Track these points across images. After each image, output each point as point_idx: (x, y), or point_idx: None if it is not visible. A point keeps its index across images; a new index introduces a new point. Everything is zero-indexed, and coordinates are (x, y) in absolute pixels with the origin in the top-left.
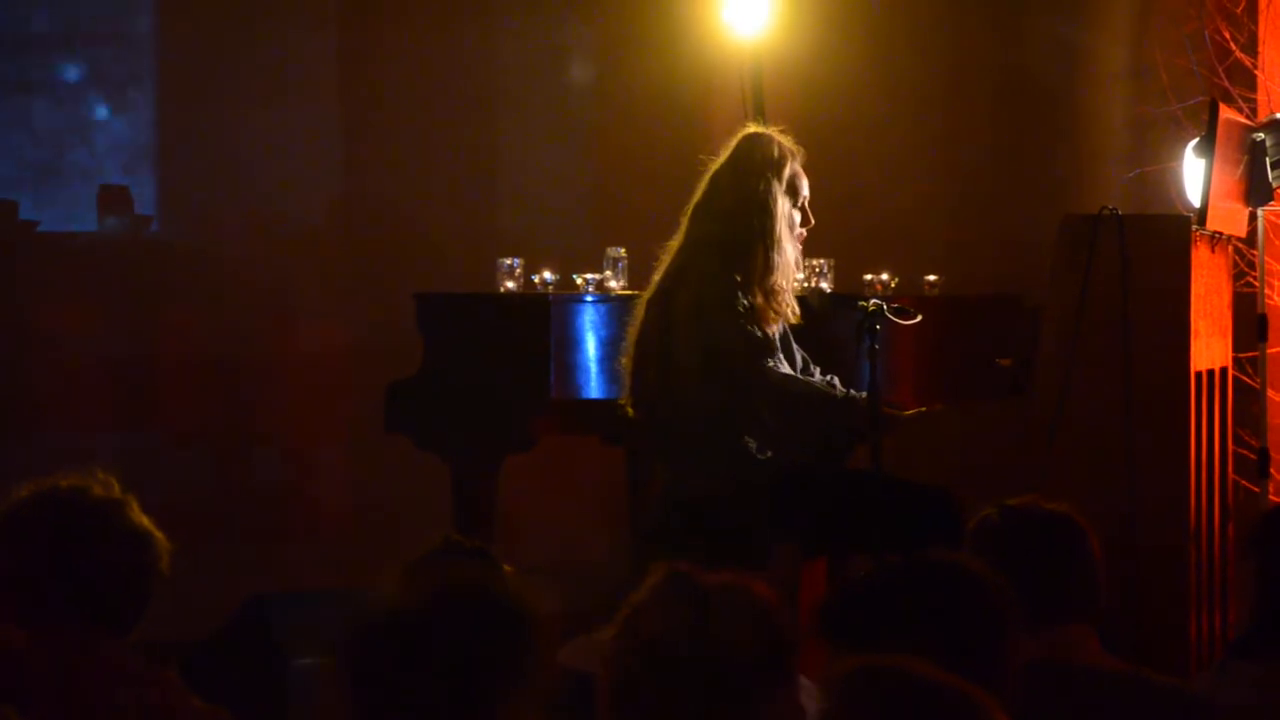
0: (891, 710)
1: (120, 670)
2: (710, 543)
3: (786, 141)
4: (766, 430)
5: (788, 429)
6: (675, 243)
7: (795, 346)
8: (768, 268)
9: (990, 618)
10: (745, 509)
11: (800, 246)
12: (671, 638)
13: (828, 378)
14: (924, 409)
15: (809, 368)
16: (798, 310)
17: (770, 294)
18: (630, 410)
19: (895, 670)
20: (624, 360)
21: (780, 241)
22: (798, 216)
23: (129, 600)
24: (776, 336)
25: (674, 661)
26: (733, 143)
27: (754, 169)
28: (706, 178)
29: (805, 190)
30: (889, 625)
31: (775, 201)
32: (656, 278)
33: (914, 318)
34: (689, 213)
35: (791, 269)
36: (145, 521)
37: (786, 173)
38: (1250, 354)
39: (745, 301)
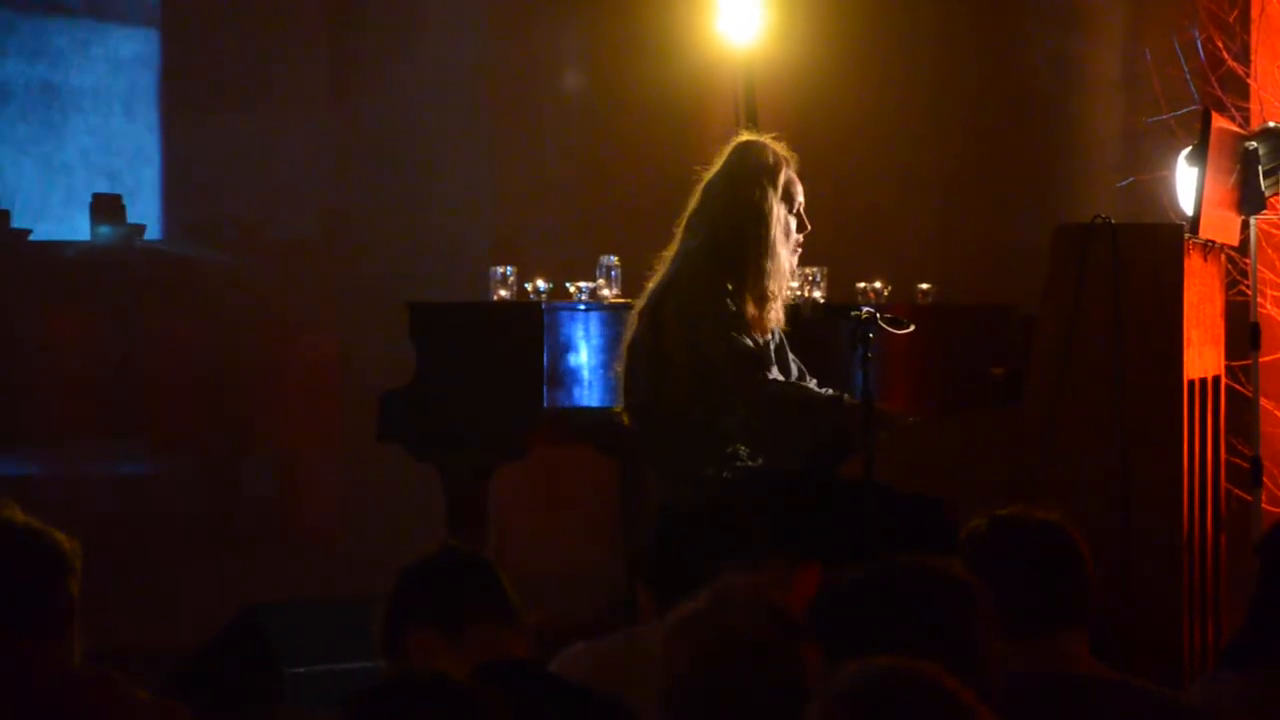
0: (887, 711)
1: (58, 673)
2: (702, 551)
3: (781, 148)
4: (758, 437)
5: (779, 436)
6: (669, 252)
7: (791, 357)
8: (760, 274)
9: (968, 620)
10: (737, 517)
11: (798, 254)
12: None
13: (824, 391)
14: (908, 414)
15: (805, 377)
16: (781, 319)
17: (762, 300)
18: (625, 418)
19: (890, 671)
20: (618, 368)
21: (774, 247)
22: (793, 223)
23: (50, 607)
24: (772, 346)
25: (735, 664)
26: (726, 151)
27: (748, 175)
28: (700, 187)
29: (800, 197)
30: (870, 630)
31: (770, 207)
32: (650, 286)
33: (907, 327)
34: (683, 223)
35: (785, 276)
36: (58, 536)
37: (781, 179)
38: (1243, 362)
39: (735, 310)
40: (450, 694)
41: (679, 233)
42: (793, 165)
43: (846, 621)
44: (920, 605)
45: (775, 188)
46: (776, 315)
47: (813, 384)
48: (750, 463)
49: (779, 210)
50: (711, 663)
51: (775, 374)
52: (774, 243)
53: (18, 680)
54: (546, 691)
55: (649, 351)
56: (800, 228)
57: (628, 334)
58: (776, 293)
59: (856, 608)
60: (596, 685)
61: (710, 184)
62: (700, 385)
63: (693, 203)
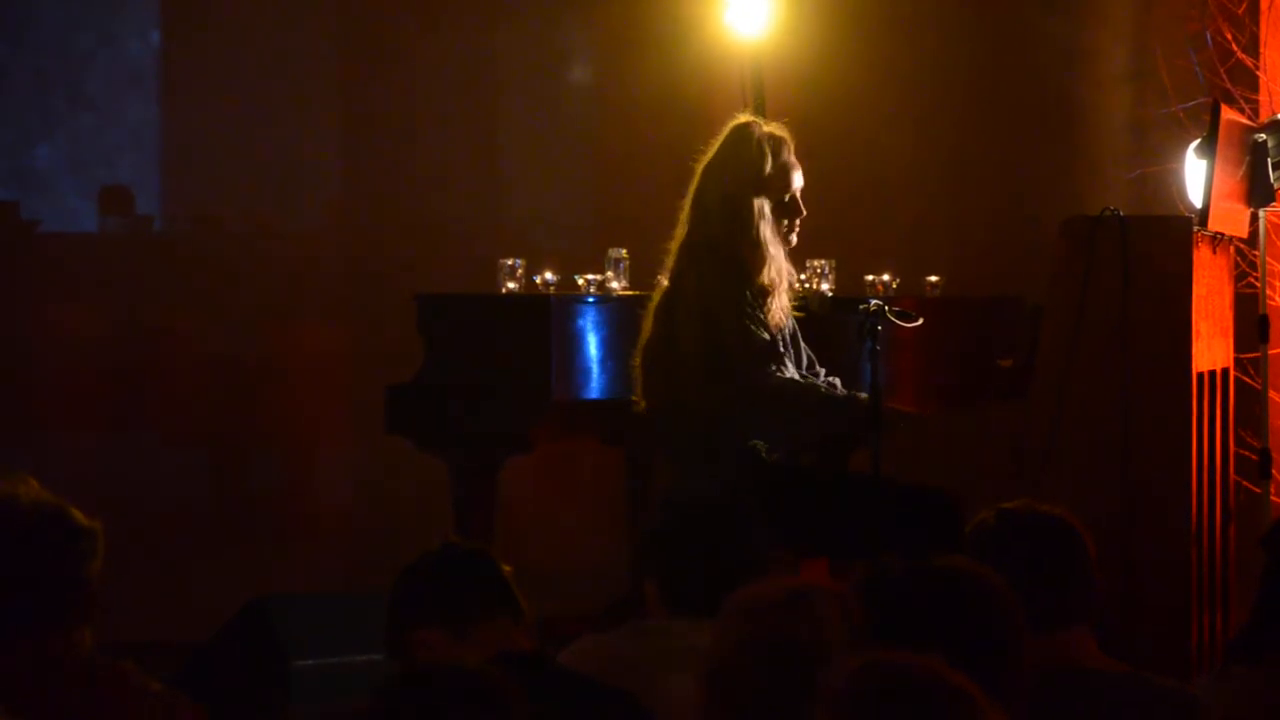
0: (890, 705)
1: (74, 663)
2: (705, 543)
3: (774, 130)
4: (769, 433)
5: (786, 432)
6: (675, 242)
7: (804, 345)
8: (755, 268)
9: (1003, 625)
10: (750, 511)
11: (792, 240)
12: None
13: (831, 379)
14: (917, 413)
15: (814, 366)
16: (787, 307)
17: (762, 293)
18: (641, 403)
19: (894, 666)
20: (635, 361)
21: (764, 244)
22: (784, 209)
23: (67, 595)
24: (786, 335)
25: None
26: (721, 135)
27: (733, 172)
28: (698, 171)
29: (796, 181)
30: (904, 632)
31: (752, 205)
32: (662, 281)
33: (915, 320)
34: (685, 207)
35: (781, 265)
36: (78, 516)
37: (767, 169)
38: (1252, 355)
39: (747, 304)
40: (474, 686)
41: (681, 217)
42: (787, 148)
43: (888, 621)
44: (961, 613)
45: (761, 184)
46: (781, 305)
47: (822, 373)
48: (767, 458)
49: (761, 205)
50: (770, 659)
51: (789, 369)
52: (763, 240)
53: (35, 669)
54: (556, 684)
55: (664, 352)
56: (795, 212)
57: (643, 334)
58: (776, 282)
59: (899, 609)
60: (605, 678)
61: (705, 173)
62: (716, 382)
63: (691, 187)
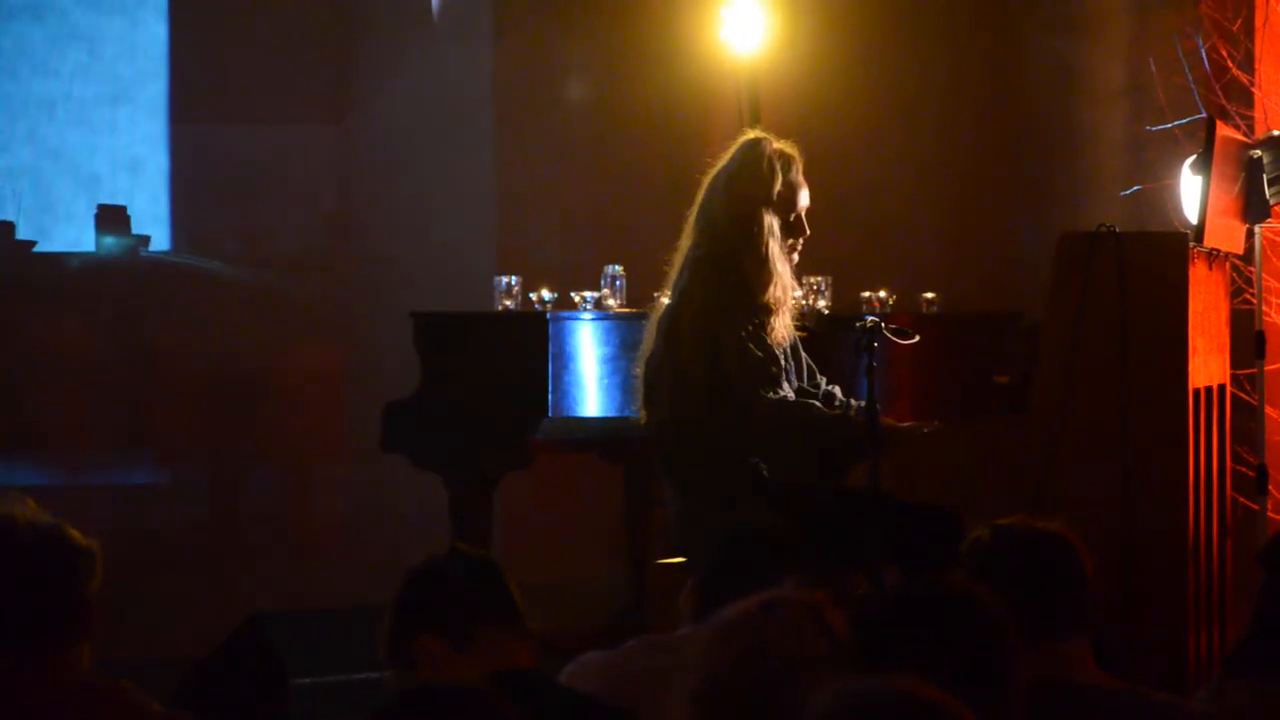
0: None
1: (73, 682)
2: (774, 575)
3: (785, 147)
4: (769, 451)
5: (781, 453)
6: (678, 254)
7: (804, 356)
8: (761, 285)
9: (995, 644)
10: (800, 536)
11: (795, 259)
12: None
13: (832, 388)
14: (922, 425)
15: (815, 377)
16: (790, 325)
17: (766, 312)
18: (644, 415)
19: (876, 688)
20: (637, 371)
21: (771, 262)
22: (790, 228)
23: (65, 614)
24: (787, 349)
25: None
26: (731, 149)
27: (742, 187)
28: (705, 183)
29: (802, 200)
30: (895, 652)
31: (762, 221)
32: (666, 294)
33: (912, 338)
34: (691, 217)
35: (786, 283)
36: (76, 536)
37: (776, 188)
38: (1248, 371)
39: (750, 323)
40: (473, 705)
41: (687, 229)
42: (796, 167)
43: (880, 640)
44: (953, 634)
45: (769, 201)
46: (784, 324)
47: (823, 382)
48: (766, 475)
49: (770, 221)
50: (748, 671)
51: (784, 388)
52: (771, 258)
53: (33, 688)
54: (555, 702)
55: (668, 367)
56: (799, 232)
57: (645, 346)
58: (781, 300)
59: (890, 629)
60: (606, 695)
61: (712, 185)
62: (718, 401)
63: (698, 199)
